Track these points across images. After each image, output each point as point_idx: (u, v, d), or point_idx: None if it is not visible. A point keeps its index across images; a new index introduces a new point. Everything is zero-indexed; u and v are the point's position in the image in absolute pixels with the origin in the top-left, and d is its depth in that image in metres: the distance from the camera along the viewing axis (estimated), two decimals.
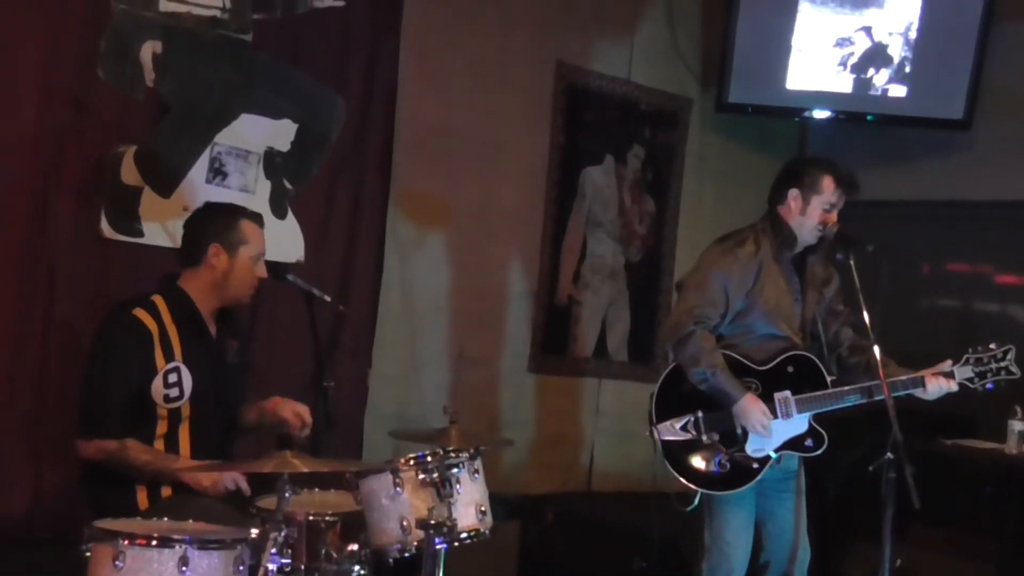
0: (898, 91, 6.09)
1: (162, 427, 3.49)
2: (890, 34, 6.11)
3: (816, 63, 6.14)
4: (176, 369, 3.49)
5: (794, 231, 3.97)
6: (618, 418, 5.93)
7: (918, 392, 3.86)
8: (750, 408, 3.84)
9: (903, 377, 3.88)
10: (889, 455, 3.58)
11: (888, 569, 3.64)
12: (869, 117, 6.14)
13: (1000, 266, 6.10)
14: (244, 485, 3.43)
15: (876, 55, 6.16)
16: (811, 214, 3.94)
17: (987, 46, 5.83)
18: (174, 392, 3.49)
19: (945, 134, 6.04)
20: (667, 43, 6.21)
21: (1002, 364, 3.89)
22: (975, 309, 6.14)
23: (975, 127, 5.92)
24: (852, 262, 3.81)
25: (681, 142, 6.31)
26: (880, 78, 6.14)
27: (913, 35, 6.08)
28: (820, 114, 6.15)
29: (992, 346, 3.90)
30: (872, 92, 6.11)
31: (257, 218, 3.70)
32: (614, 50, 6.00)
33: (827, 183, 3.93)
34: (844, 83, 6.14)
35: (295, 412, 3.63)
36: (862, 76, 6.16)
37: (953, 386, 3.87)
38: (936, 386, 3.86)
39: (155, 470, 3.42)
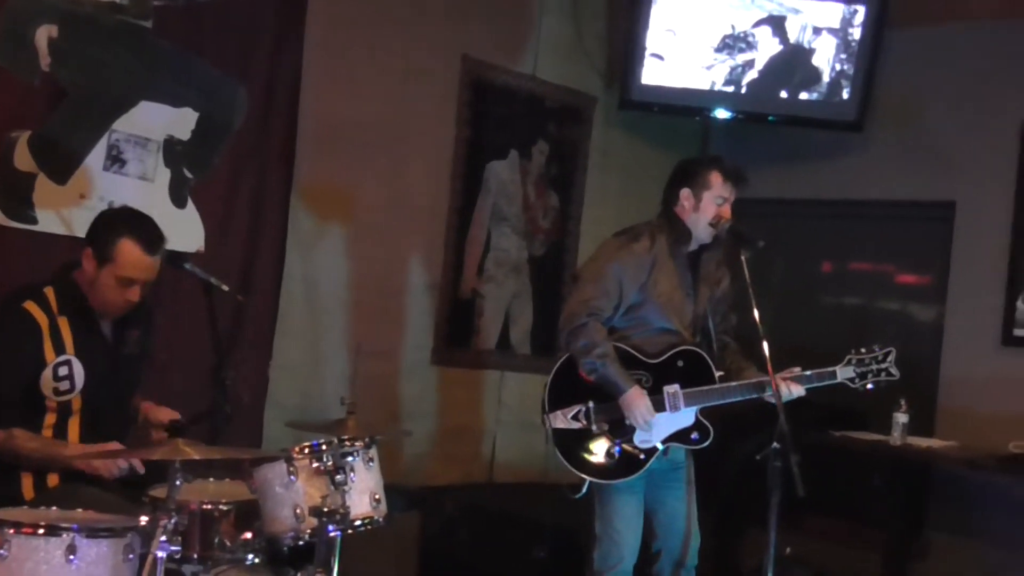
0: (803, 94, 6.18)
1: (50, 419, 3.46)
2: (816, 31, 5.95)
3: (691, 62, 6.09)
4: (67, 362, 3.44)
5: (689, 228, 4.07)
6: (520, 410, 5.99)
7: (766, 396, 3.92)
8: (635, 401, 3.92)
9: (752, 380, 3.97)
10: (776, 444, 3.69)
11: (773, 555, 3.74)
12: (771, 118, 6.25)
13: (891, 264, 6.29)
14: (137, 463, 3.38)
15: (794, 64, 6.03)
16: (704, 209, 4.04)
17: (878, 51, 6.00)
18: (64, 385, 3.44)
19: (839, 135, 6.21)
20: (572, 40, 6.28)
21: (883, 366, 4.01)
22: (867, 306, 6.32)
23: (867, 129, 6.10)
24: (744, 257, 3.91)
25: (585, 138, 6.39)
26: (798, 93, 6.06)
27: (856, 34, 5.89)
28: (722, 114, 6.25)
29: (875, 348, 4.03)
30: (777, 94, 6.20)
31: (148, 243, 3.48)
32: (520, 45, 6.05)
33: (715, 178, 4.04)
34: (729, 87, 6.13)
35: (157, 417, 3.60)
36: (774, 93, 6.09)
37: (800, 390, 3.95)
38: (785, 391, 3.91)
39: (43, 456, 3.38)
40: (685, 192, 4.06)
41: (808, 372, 3.98)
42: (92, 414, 3.52)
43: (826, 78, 6.11)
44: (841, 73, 6.06)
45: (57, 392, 3.44)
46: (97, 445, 3.39)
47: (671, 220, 4.09)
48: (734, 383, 3.99)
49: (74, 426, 3.49)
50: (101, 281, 3.47)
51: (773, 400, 3.83)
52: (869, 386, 4.01)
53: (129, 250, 3.45)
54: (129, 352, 3.67)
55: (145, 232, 3.51)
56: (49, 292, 3.50)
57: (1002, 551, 5.36)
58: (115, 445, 3.40)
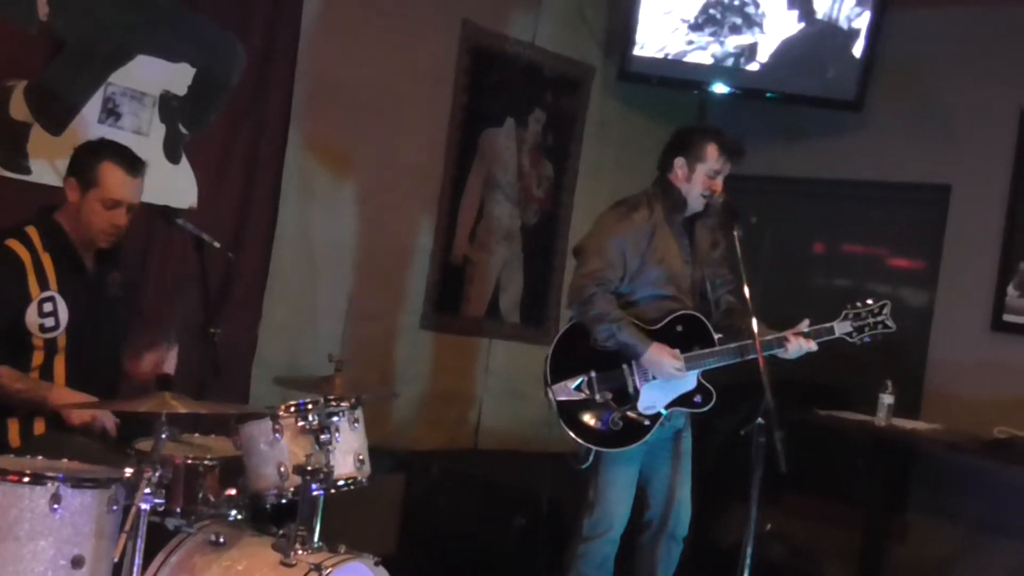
0: (800, 69, 6.11)
1: (38, 358, 3.47)
2: (861, 3, 5.65)
3: (663, 41, 5.96)
4: (51, 299, 3.47)
5: (683, 195, 4.08)
6: (507, 378, 6.01)
7: (779, 352, 3.97)
8: (659, 356, 3.95)
9: (769, 337, 3.99)
10: (760, 420, 3.69)
11: (754, 530, 3.75)
12: (769, 94, 6.22)
13: (884, 245, 6.29)
14: (111, 425, 3.43)
15: (823, 51, 5.83)
16: (696, 181, 4.06)
17: (881, 31, 5.98)
18: (49, 322, 3.46)
19: (838, 114, 6.19)
20: (573, 9, 6.26)
21: (879, 318, 4.04)
22: (858, 287, 6.32)
23: (865, 109, 6.09)
24: (736, 233, 3.91)
25: (582, 109, 6.38)
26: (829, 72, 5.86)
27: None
28: (720, 88, 6.22)
29: (869, 301, 4.06)
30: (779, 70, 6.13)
31: (129, 164, 3.56)
32: (520, 13, 6.02)
33: (711, 151, 4.05)
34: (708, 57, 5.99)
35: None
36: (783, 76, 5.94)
37: (812, 345, 3.99)
38: (796, 346, 3.97)
39: (28, 398, 3.40)
40: (679, 160, 4.08)
41: (806, 329, 4.01)
42: (78, 354, 3.53)
43: (856, 58, 5.86)
44: (864, 60, 5.84)
45: (43, 329, 3.45)
46: (80, 394, 3.40)
47: (666, 188, 4.12)
48: (732, 344, 4.01)
49: (60, 365, 3.50)
50: (87, 208, 3.52)
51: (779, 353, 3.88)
52: (867, 339, 4.04)
53: (112, 172, 3.52)
54: (113, 295, 3.69)
55: (125, 155, 3.59)
56: (31, 231, 3.53)
57: (982, 535, 5.40)
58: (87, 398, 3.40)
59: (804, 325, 4.02)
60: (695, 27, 5.90)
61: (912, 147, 6.00)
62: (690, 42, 5.92)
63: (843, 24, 5.82)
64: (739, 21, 5.92)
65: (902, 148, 6.04)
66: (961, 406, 5.51)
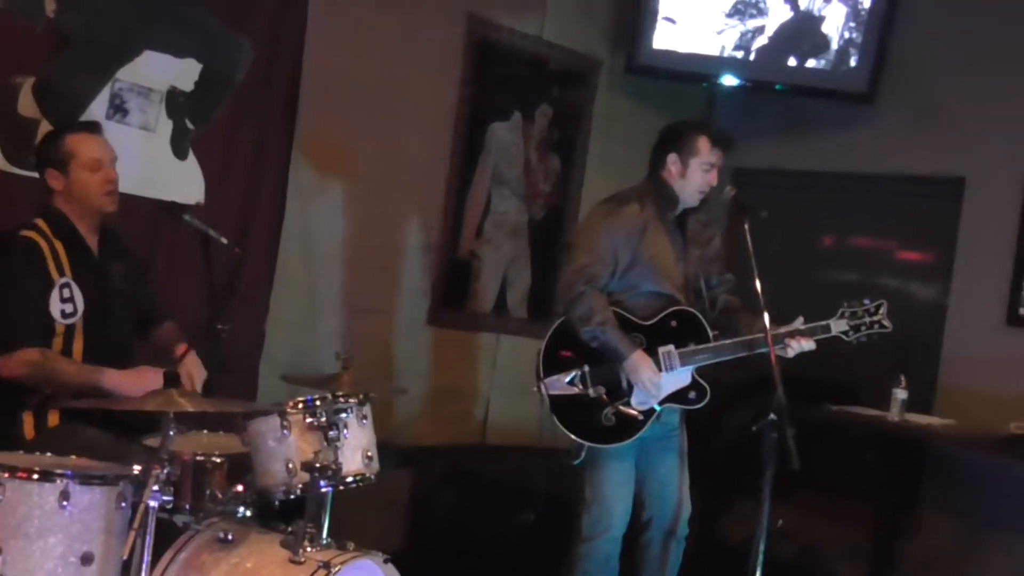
0: (810, 62, 6.14)
1: (57, 344, 3.50)
2: (823, 3, 5.97)
3: (703, 27, 6.05)
4: (68, 285, 3.52)
5: (676, 192, 4.05)
6: (515, 374, 5.95)
7: (779, 351, 3.90)
8: (640, 365, 3.91)
9: (747, 338, 3.95)
10: (772, 416, 3.66)
11: (765, 527, 3.72)
12: (778, 87, 6.20)
13: (897, 240, 6.25)
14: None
15: (803, 33, 6.01)
16: (691, 176, 4.04)
17: (893, 22, 5.94)
18: (69, 308, 3.51)
19: (849, 106, 6.14)
20: (580, 2, 6.22)
21: (875, 318, 4.01)
22: (871, 282, 6.26)
23: (877, 101, 6.04)
24: (747, 227, 3.88)
25: (589, 102, 6.34)
26: (806, 61, 6.05)
27: (866, 3, 5.93)
28: (730, 81, 6.19)
29: (866, 301, 4.03)
30: (786, 62, 6.14)
31: (86, 126, 3.75)
32: (527, 6, 5.99)
33: (703, 144, 4.03)
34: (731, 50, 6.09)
35: (190, 374, 3.64)
36: (783, 61, 6.05)
37: (811, 344, 3.94)
38: (797, 346, 3.92)
39: (81, 382, 3.41)
40: (672, 157, 4.05)
41: (802, 327, 3.98)
42: (93, 341, 3.56)
43: (834, 46, 6.10)
44: (849, 42, 6.06)
45: (64, 315, 3.50)
46: (134, 372, 3.45)
47: (658, 184, 4.09)
48: (728, 340, 3.98)
49: (78, 352, 3.54)
50: (76, 182, 3.63)
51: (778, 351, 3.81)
52: (863, 339, 4.00)
53: (77, 139, 3.68)
54: (117, 287, 3.72)
55: (78, 123, 3.85)
56: (41, 223, 3.61)
57: (995, 532, 5.35)
58: (149, 369, 3.46)
59: (799, 323, 3.97)
60: (730, 14, 6.07)
61: (925, 139, 5.93)
62: (720, 30, 6.08)
63: (816, 12, 6.08)
64: (754, 12, 6.08)
65: (915, 140, 5.97)
66: (976, 402, 5.45)
